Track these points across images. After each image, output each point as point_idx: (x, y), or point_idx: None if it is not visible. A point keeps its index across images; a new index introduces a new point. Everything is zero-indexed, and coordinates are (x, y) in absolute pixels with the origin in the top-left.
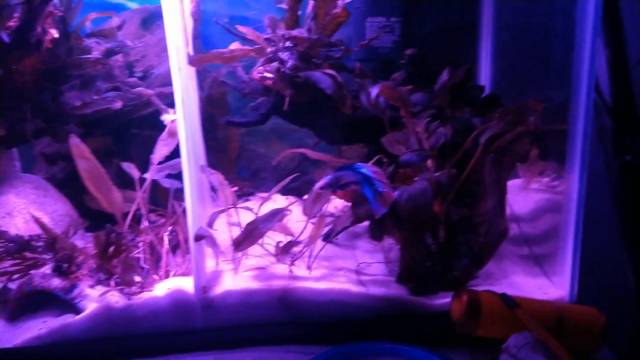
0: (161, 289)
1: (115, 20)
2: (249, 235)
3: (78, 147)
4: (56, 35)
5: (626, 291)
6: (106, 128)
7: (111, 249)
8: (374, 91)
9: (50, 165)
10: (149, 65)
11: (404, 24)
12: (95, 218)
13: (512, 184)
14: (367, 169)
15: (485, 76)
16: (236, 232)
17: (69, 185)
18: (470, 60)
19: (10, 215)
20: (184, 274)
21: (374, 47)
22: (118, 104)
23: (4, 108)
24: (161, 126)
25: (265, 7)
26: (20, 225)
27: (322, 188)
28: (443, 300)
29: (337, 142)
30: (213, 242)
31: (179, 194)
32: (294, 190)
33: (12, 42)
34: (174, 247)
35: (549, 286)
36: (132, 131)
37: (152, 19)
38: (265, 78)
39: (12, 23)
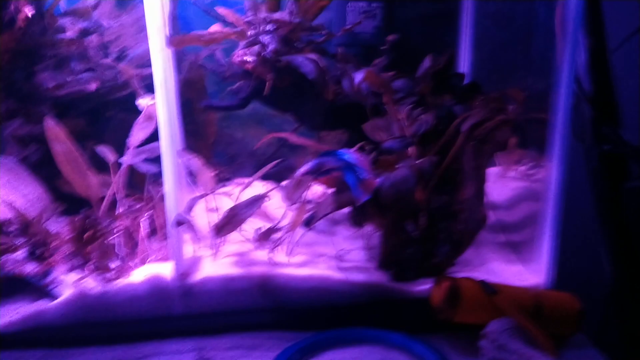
0: (139, 275)
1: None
2: (230, 222)
3: (53, 129)
4: (30, 13)
5: (602, 278)
6: (80, 110)
7: (87, 234)
8: (358, 77)
9: (22, 148)
10: (124, 46)
11: (385, 9)
12: (69, 202)
13: (490, 172)
14: (350, 155)
15: (465, 63)
16: (215, 217)
17: (42, 168)
18: (451, 46)
19: None
20: (161, 260)
21: (355, 32)
22: (93, 86)
23: None
24: (135, 109)
25: None
26: None
27: (304, 174)
28: (423, 286)
29: (317, 127)
30: (192, 228)
31: (155, 178)
32: (273, 176)
33: None
34: (151, 233)
35: (526, 273)
36: (106, 113)
37: None
38: (246, 62)
39: None
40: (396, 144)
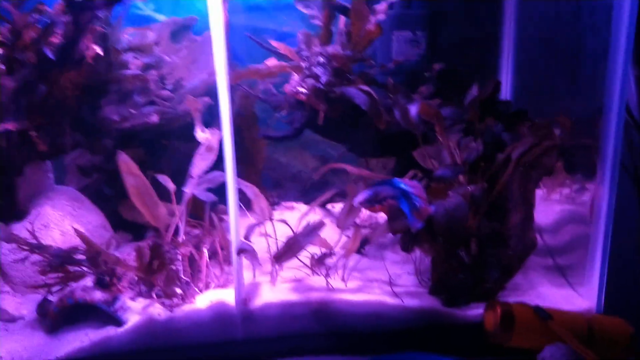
0: (202, 301)
1: (151, 35)
2: (290, 249)
3: (126, 163)
4: (99, 51)
5: None
6: (138, 140)
7: (153, 261)
8: (413, 109)
9: (84, 177)
10: (179, 78)
11: (429, 37)
12: (126, 228)
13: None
14: (405, 184)
15: (507, 87)
16: (268, 242)
17: (103, 196)
18: (493, 71)
19: (47, 227)
20: (222, 286)
21: (399, 60)
22: (155, 118)
23: (45, 122)
24: (189, 137)
25: (289, 19)
26: (56, 237)
27: (362, 202)
28: (475, 311)
29: (367, 154)
30: (253, 256)
31: (213, 206)
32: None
33: (56, 58)
34: (212, 259)
35: (576, 297)
36: (164, 143)
37: (180, 31)
38: (299, 93)
39: (55, 39)
40: (448, 172)
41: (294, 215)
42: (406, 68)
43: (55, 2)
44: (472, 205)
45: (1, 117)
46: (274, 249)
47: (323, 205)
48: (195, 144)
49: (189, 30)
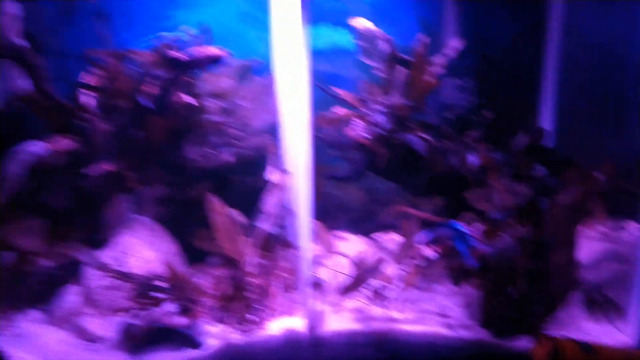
0: (275, 328)
1: (229, 82)
2: (356, 283)
3: (214, 203)
4: (189, 101)
5: None
6: (210, 176)
7: (230, 290)
8: (474, 160)
9: (161, 208)
10: (245, 117)
11: (476, 84)
12: (196, 255)
13: None
14: (462, 225)
15: (550, 129)
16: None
17: (175, 226)
18: (537, 115)
19: (127, 255)
20: (288, 314)
21: (449, 105)
22: (230, 158)
23: (136, 161)
24: (252, 173)
25: (345, 63)
26: (135, 263)
27: (423, 242)
28: (522, 343)
29: (421, 194)
30: (320, 286)
31: (279, 239)
32: (365, 231)
33: (151, 107)
34: (284, 289)
35: (615, 332)
36: (231, 177)
37: (247, 73)
38: (361, 137)
39: (149, 89)
40: (500, 215)
41: (346, 245)
42: (455, 112)
43: (148, 51)
44: (522, 246)
45: (96, 157)
46: (336, 279)
47: (367, 234)
48: (258, 177)
49: (252, 71)
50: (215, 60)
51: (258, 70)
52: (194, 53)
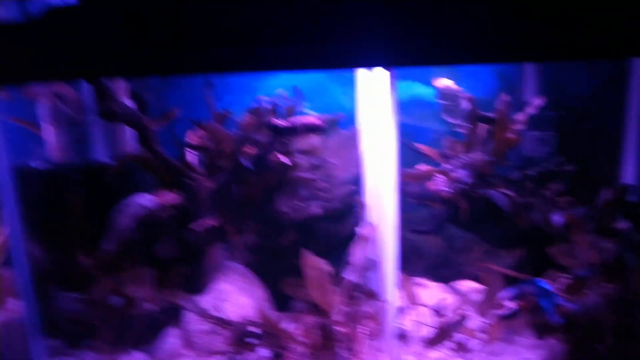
0: None
1: (318, 140)
2: (441, 336)
3: (309, 258)
4: (286, 161)
5: None
6: (299, 226)
7: (321, 338)
8: (560, 220)
9: (252, 255)
10: (331, 170)
11: (557, 136)
12: (282, 301)
13: None
14: (546, 283)
15: (633, 181)
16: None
17: (265, 273)
18: (618, 166)
19: (223, 300)
20: None
21: (529, 157)
22: (318, 210)
23: (236, 215)
24: (336, 220)
25: (424, 114)
26: (231, 309)
27: (508, 299)
28: None
29: (501, 246)
30: (405, 337)
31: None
32: (443, 278)
33: (251, 167)
34: (371, 338)
35: None
36: (318, 228)
37: (333, 127)
38: (444, 191)
39: (250, 150)
40: (586, 272)
41: (425, 293)
42: (535, 165)
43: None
44: (608, 303)
45: (200, 211)
46: (420, 329)
47: (446, 281)
48: (343, 226)
49: (337, 125)
50: (313, 129)
51: (343, 123)
52: (294, 122)
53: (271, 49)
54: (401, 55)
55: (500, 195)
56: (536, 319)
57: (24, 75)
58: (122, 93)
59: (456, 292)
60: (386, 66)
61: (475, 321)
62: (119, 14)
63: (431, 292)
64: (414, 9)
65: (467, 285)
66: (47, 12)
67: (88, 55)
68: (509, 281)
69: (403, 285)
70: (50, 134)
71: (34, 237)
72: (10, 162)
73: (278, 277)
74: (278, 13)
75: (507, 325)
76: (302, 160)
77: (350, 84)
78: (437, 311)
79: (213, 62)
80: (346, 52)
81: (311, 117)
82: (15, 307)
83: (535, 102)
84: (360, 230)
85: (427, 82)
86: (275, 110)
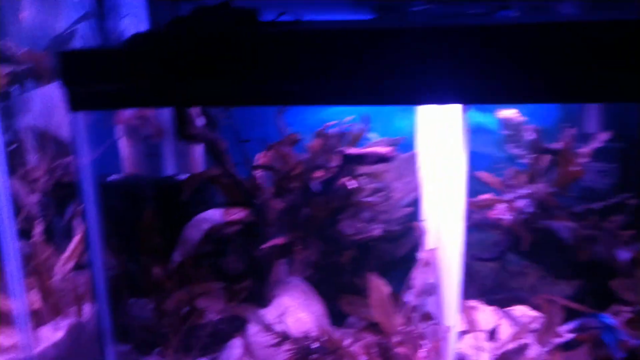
0: None
1: (383, 166)
2: None
3: (375, 282)
4: (353, 185)
5: None
6: (359, 246)
7: (379, 357)
8: (626, 255)
9: (312, 271)
10: (392, 192)
11: (619, 167)
12: (337, 316)
13: None
14: (609, 317)
15: None
16: (471, 347)
17: (323, 289)
18: None
19: (284, 315)
20: None
21: (591, 188)
22: (379, 232)
23: (302, 235)
24: (391, 240)
25: (481, 141)
26: (291, 324)
27: (570, 331)
28: None
29: (562, 277)
30: None
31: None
32: (496, 302)
33: (319, 191)
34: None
35: None
36: (377, 248)
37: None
38: (506, 221)
39: (319, 174)
40: None
41: (480, 316)
42: (597, 197)
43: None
44: None
45: (267, 229)
46: (479, 355)
47: (502, 306)
48: (401, 248)
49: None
50: (383, 160)
51: (402, 146)
52: (366, 152)
53: (348, 82)
54: (478, 95)
55: (564, 227)
56: (598, 353)
57: (117, 102)
58: (195, 111)
59: (510, 317)
60: (462, 103)
61: (534, 350)
62: (199, 45)
63: (485, 315)
64: (493, 49)
65: (521, 310)
66: (132, 38)
67: (174, 84)
68: (569, 312)
69: (464, 310)
70: (125, 148)
71: (109, 246)
72: (94, 176)
73: (335, 294)
74: (354, 49)
75: (567, 357)
76: (366, 183)
77: (408, 108)
78: (496, 337)
79: (293, 95)
80: (419, 89)
81: (382, 147)
82: (90, 312)
83: (601, 136)
84: (421, 254)
85: (485, 110)
86: (342, 136)
